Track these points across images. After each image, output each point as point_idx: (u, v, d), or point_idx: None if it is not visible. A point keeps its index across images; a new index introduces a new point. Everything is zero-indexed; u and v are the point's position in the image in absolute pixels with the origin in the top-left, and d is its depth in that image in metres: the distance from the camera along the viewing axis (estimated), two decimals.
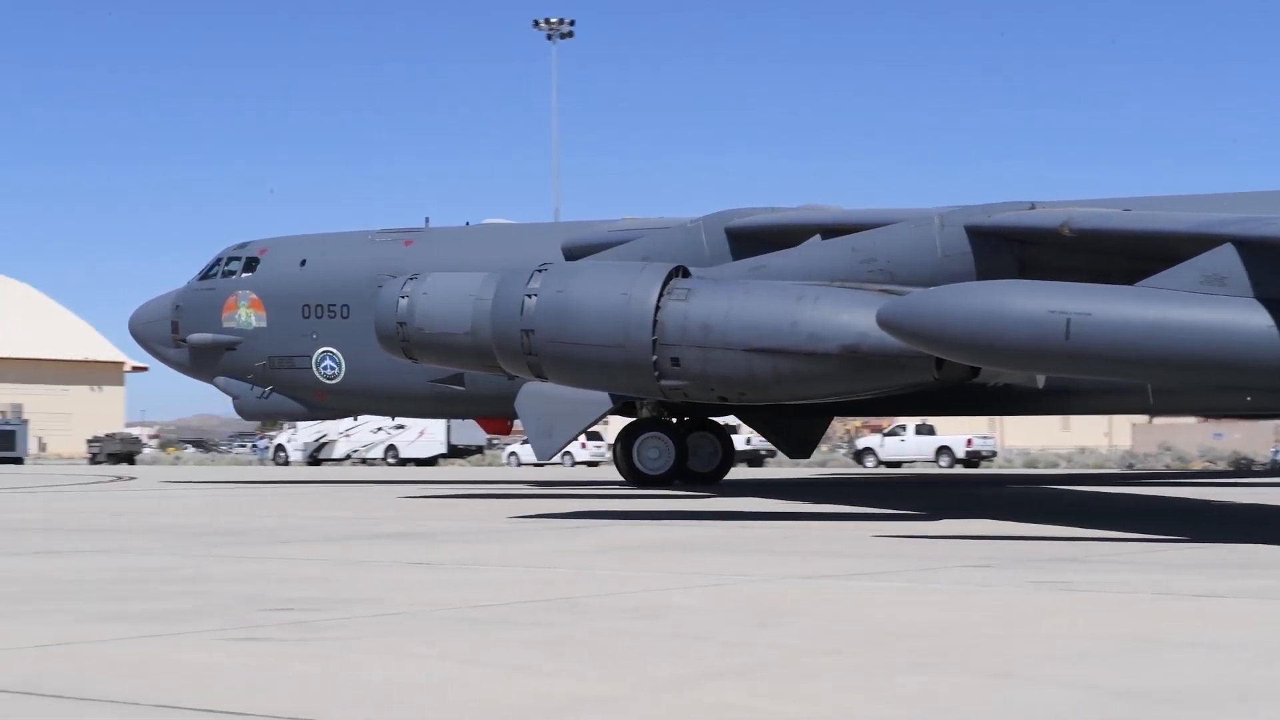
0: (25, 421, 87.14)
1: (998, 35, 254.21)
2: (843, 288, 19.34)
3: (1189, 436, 66.28)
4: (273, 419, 38.09)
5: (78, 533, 18.01)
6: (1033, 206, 21.91)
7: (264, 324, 33.69)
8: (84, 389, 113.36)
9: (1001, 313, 15.23)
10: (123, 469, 63.35)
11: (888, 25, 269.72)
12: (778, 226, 25.94)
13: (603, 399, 28.28)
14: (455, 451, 72.14)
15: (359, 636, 8.05)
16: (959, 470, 59.11)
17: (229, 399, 35.00)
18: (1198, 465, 58.70)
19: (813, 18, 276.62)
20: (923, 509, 21.87)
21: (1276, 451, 62.51)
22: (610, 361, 19.07)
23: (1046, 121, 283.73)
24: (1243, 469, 54.27)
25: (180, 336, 34.63)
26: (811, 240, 23.18)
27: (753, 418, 34.14)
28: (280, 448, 76.06)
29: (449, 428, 69.79)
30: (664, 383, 19.11)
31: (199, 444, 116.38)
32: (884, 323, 16.28)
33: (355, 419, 66.76)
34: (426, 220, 34.53)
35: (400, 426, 70.59)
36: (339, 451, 73.72)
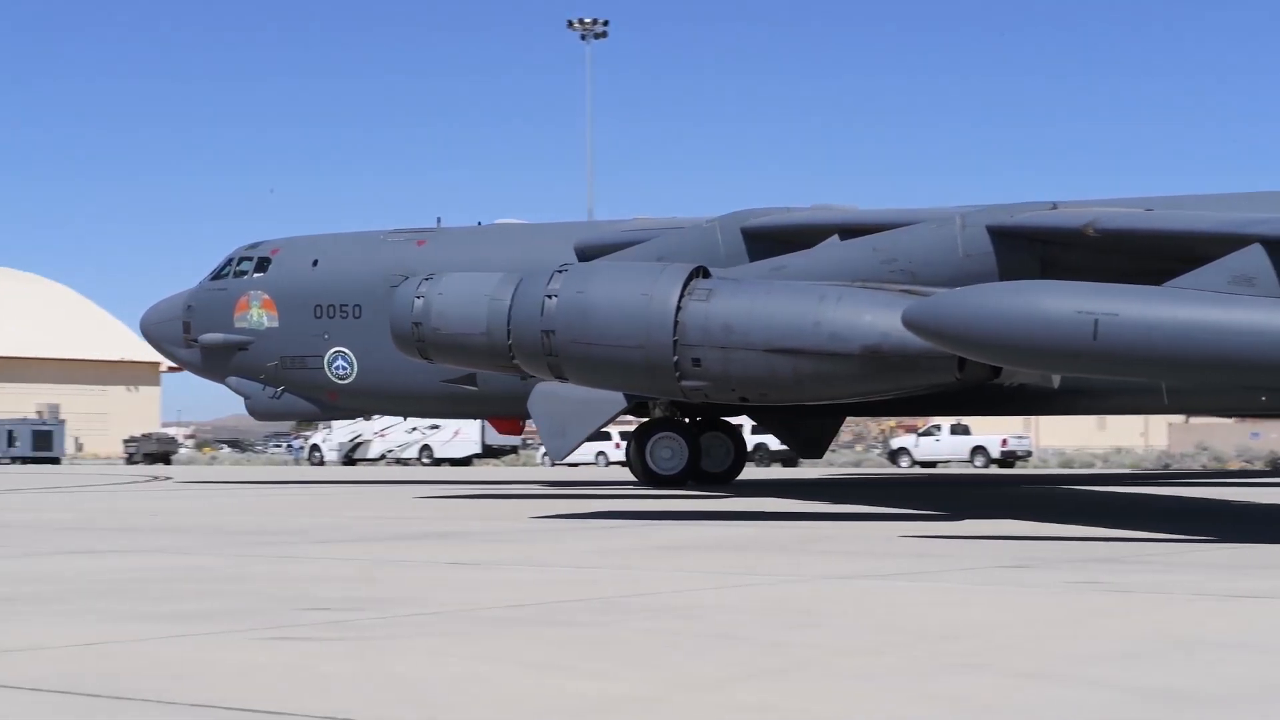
0: (62, 422, 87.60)
1: (1005, 35, 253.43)
2: (864, 288, 19.30)
3: (1226, 436, 65.96)
4: (284, 419, 38.12)
5: (114, 532, 18.08)
6: (1054, 206, 21.87)
7: (276, 324, 33.72)
8: (120, 389, 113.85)
9: (1029, 313, 15.16)
10: (159, 469, 63.59)
11: (902, 28, 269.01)
12: (794, 226, 25.91)
13: (616, 399, 28.26)
14: (490, 451, 72.17)
15: (396, 636, 8.07)
16: (994, 470, 58.94)
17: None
18: (1234, 465, 58.43)
19: (834, 20, 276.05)
20: (945, 509, 21.81)
21: None
22: (631, 362, 19.06)
23: (1055, 121, 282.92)
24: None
25: (192, 337, 34.68)
26: (830, 240, 23.16)
27: (765, 418, 34.09)
28: (315, 448, 76.23)
29: (483, 428, 69.84)
30: (685, 383, 19.08)
31: (234, 444, 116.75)
32: (910, 323, 16.20)
33: (385, 419, 66.86)
34: (439, 220, 34.53)
35: (435, 426, 70.67)
36: (374, 451, 73.85)
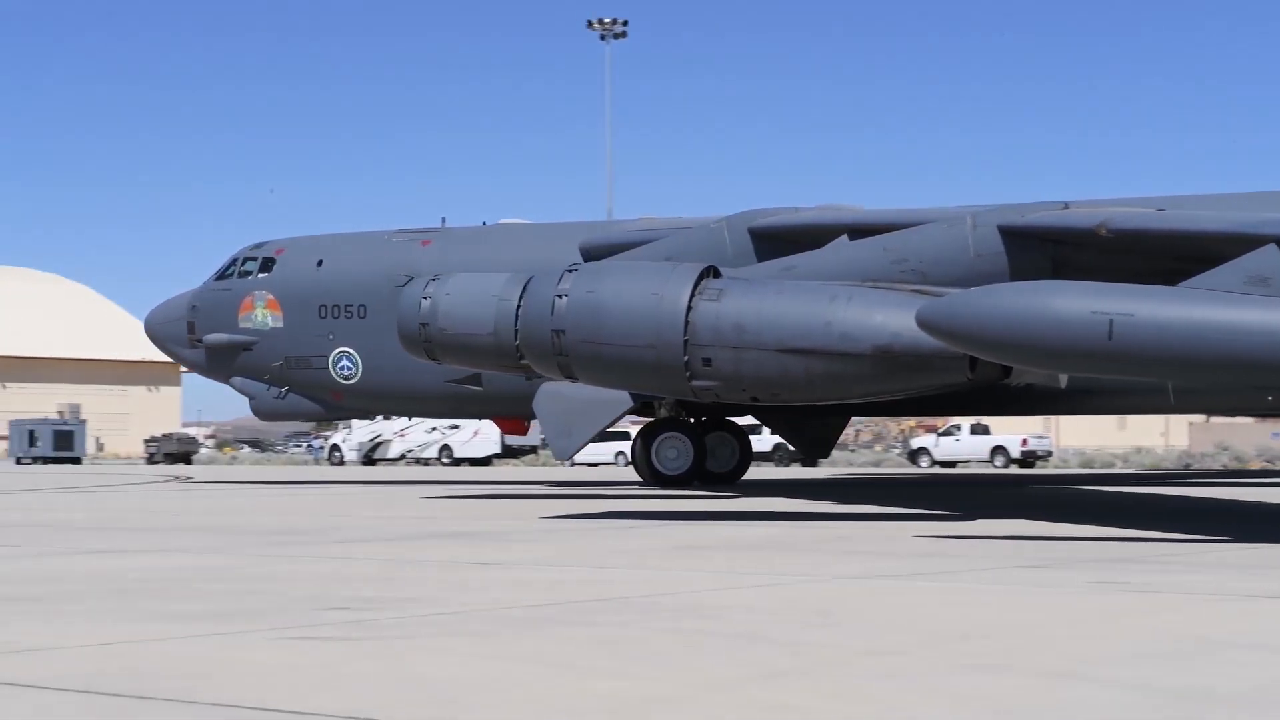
0: (83, 422, 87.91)
1: (1014, 35, 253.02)
2: (875, 288, 19.27)
3: (1246, 436, 65.82)
4: (289, 420, 38.18)
5: (135, 532, 18.12)
6: (1066, 206, 21.87)
7: (280, 324, 33.75)
8: (141, 389, 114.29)
9: (1044, 313, 15.12)
10: (179, 469, 63.76)
11: (910, 29, 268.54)
12: (802, 227, 25.91)
13: (622, 399, 28.27)
14: (509, 451, 72.27)
15: (418, 636, 8.08)
16: (1013, 470, 58.87)
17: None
18: (1256, 465, 58.30)
19: (842, 21, 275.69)
20: (955, 510, 21.78)
21: None
22: (642, 362, 19.05)
23: (1063, 121, 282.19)
24: None
25: (196, 337, 34.73)
26: (840, 240, 23.15)
27: (770, 418, 34.08)
28: (335, 448, 76.39)
29: None
30: (695, 383, 19.06)
31: (255, 444, 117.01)
32: (924, 323, 16.15)
33: (409, 419, 66.96)
34: (443, 220, 34.54)
35: (454, 426, 70.79)
36: (394, 451, 73.97)
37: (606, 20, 70.69)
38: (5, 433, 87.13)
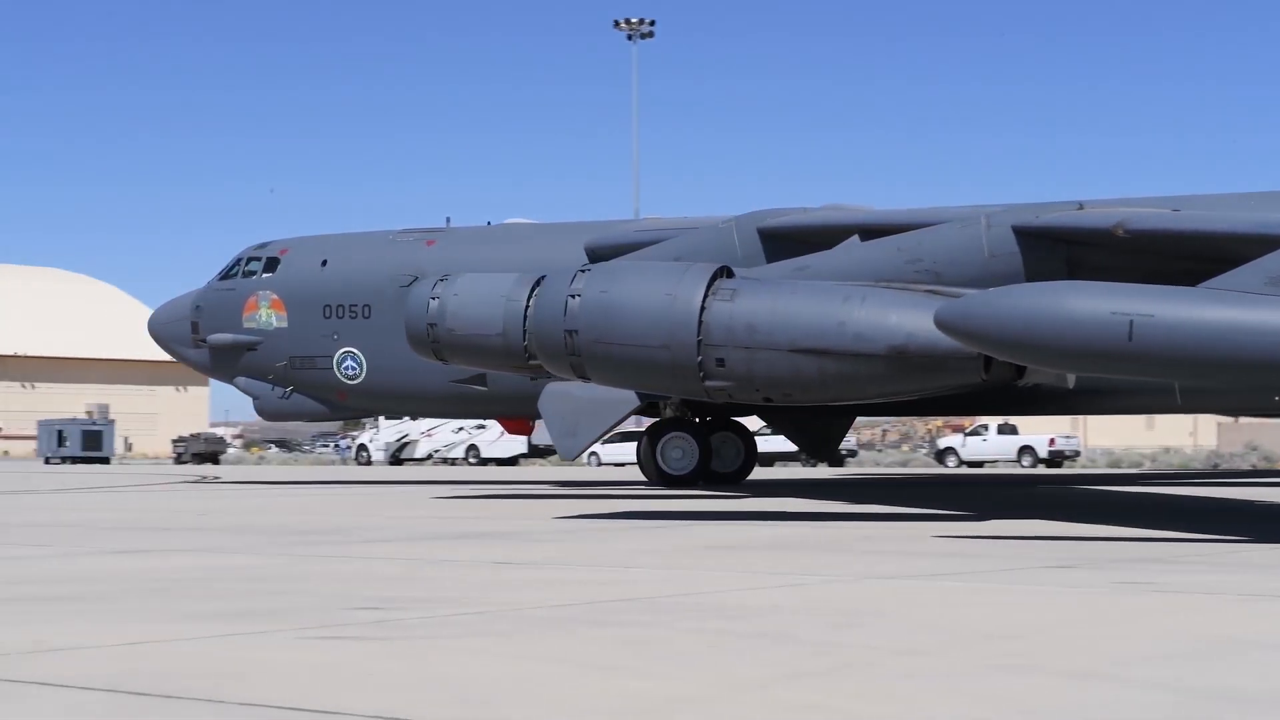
0: (112, 422, 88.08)
1: (1028, 36, 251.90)
2: (888, 288, 19.23)
3: (1275, 436, 65.55)
4: (293, 420, 38.21)
5: (163, 532, 18.19)
6: (1081, 206, 21.79)
7: (285, 324, 33.71)
8: (170, 389, 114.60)
9: (1063, 314, 15.04)
10: (207, 469, 63.90)
11: (921, 30, 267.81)
12: (812, 227, 25.87)
13: (628, 398, 28.21)
14: (535, 451, 72.24)
15: (445, 636, 8.10)
16: (1040, 470, 58.76)
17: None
18: None
19: (853, 21, 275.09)
20: (968, 510, 21.74)
21: None
22: (655, 362, 19.03)
23: (1077, 122, 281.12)
24: None
25: (200, 337, 34.69)
26: (852, 240, 23.10)
27: (776, 417, 33.96)
28: (363, 448, 76.51)
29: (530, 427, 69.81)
30: (708, 383, 19.03)
31: (282, 444, 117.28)
32: (942, 324, 16.07)
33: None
34: (448, 220, 34.49)
35: (481, 426, 70.76)
36: (420, 451, 74.03)
37: (634, 20, 70.65)
38: (34, 433, 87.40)
